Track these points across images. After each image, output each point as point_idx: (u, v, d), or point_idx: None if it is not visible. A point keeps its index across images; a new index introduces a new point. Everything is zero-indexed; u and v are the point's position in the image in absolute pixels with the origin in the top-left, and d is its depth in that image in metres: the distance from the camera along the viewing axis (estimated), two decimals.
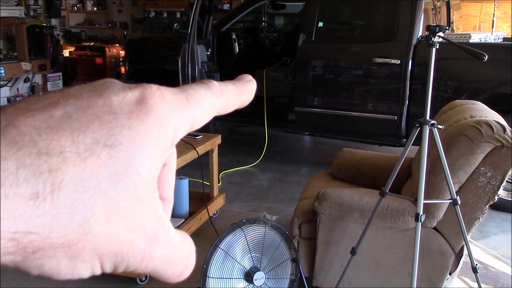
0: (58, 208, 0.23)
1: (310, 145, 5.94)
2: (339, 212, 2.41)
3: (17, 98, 5.27)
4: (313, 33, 4.45)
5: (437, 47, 2.07)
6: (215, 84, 0.32)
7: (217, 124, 6.61)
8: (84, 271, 0.26)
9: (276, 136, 5.91)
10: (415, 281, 2.11)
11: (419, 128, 2.16)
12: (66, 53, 8.16)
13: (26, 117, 0.24)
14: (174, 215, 3.31)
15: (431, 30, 2.05)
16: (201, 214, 3.32)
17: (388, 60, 4.10)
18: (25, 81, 5.35)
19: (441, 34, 2.05)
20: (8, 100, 5.18)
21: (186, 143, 3.27)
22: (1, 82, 5.09)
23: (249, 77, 0.35)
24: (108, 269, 0.26)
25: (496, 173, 2.26)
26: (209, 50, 5.02)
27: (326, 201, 2.42)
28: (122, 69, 6.58)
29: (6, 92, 5.18)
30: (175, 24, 5.25)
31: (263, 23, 6.84)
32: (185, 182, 3.32)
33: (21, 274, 2.84)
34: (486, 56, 2.06)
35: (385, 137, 4.33)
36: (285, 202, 4.02)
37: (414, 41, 4.01)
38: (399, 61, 4.04)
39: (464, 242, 2.33)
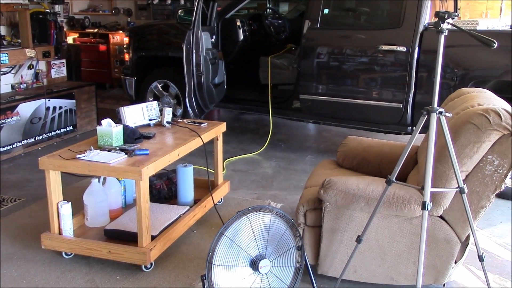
0: None
1: (315, 133, 5.92)
2: (344, 200, 2.40)
3: (21, 85, 5.26)
4: (319, 20, 4.41)
5: (446, 34, 2.05)
6: None
7: (221, 112, 6.60)
8: None
9: (280, 123, 5.89)
10: (421, 269, 2.11)
11: (426, 116, 2.14)
12: (69, 40, 8.13)
13: None
14: (179, 203, 3.31)
15: (440, 17, 2.02)
16: (206, 202, 3.32)
17: (394, 47, 4.06)
18: (29, 68, 5.32)
19: (450, 20, 2.03)
20: (12, 87, 5.17)
21: (191, 130, 3.26)
22: (5, 69, 5.08)
23: None
24: None
25: (504, 162, 2.24)
26: (214, 37, 4.98)
27: (332, 189, 2.41)
28: (126, 56, 6.56)
29: (10, 79, 5.17)
30: (179, 11, 5.20)
31: (268, 10, 6.77)
32: (190, 170, 3.32)
33: (25, 262, 2.85)
34: (496, 43, 2.03)
35: (391, 125, 4.30)
36: (290, 190, 4.01)
37: (421, 28, 3.97)
38: (406, 49, 4.01)
39: (470, 231, 2.32)
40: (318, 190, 2.48)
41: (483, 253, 2.34)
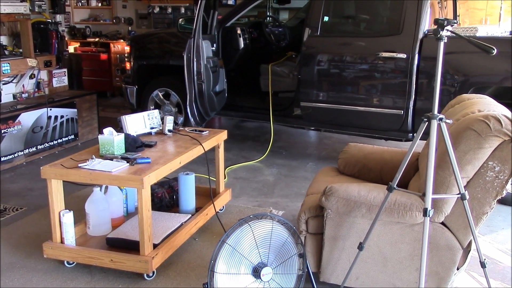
0: None
1: (316, 140, 5.93)
2: (346, 207, 2.40)
3: (23, 95, 5.28)
4: (319, 27, 4.43)
5: (445, 41, 2.06)
6: None
7: (222, 120, 6.61)
8: None
9: (281, 131, 5.90)
10: (423, 276, 2.11)
11: (427, 123, 2.14)
12: (71, 49, 8.16)
13: None
14: (181, 211, 3.31)
15: (439, 24, 2.03)
16: (208, 210, 3.32)
17: (394, 54, 4.07)
18: (31, 77, 5.35)
19: (449, 27, 2.04)
20: (14, 96, 5.19)
21: (193, 138, 3.27)
22: (7, 79, 5.10)
23: None
24: None
25: (505, 168, 2.24)
26: (214, 45, 5.00)
27: (333, 196, 2.42)
28: (127, 64, 6.56)
29: (11, 88, 5.20)
30: (180, 20, 5.23)
31: (268, 18, 6.80)
32: (192, 178, 3.32)
33: (27, 271, 2.85)
34: (495, 50, 2.04)
35: (391, 132, 4.31)
36: (291, 197, 4.01)
37: (421, 35, 3.98)
38: (405, 55, 4.02)
39: (472, 237, 2.32)
40: (319, 197, 2.48)
41: (485, 259, 2.34)
